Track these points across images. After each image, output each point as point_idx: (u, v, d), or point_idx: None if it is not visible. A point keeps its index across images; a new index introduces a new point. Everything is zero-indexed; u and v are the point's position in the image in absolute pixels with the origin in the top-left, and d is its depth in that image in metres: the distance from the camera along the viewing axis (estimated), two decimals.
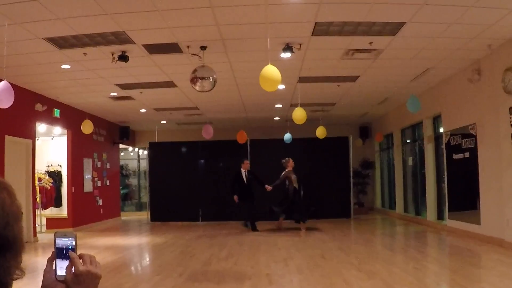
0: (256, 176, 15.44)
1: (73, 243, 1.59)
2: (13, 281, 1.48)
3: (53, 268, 1.62)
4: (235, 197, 15.30)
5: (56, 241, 1.60)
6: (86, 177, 16.78)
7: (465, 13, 7.87)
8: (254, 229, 14.99)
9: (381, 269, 8.38)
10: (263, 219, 15.45)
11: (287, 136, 17.56)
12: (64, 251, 1.59)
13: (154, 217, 18.93)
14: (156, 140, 20.52)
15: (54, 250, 1.61)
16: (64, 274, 1.56)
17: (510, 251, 9.43)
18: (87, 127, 14.14)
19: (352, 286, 7.03)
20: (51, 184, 15.46)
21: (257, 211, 15.27)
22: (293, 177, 14.70)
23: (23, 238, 1.52)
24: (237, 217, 17.66)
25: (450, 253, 10.47)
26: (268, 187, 15.02)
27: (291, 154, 16.79)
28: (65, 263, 1.57)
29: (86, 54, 9.75)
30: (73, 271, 1.54)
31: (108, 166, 19.04)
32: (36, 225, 13.75)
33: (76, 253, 1.58)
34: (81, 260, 1.57)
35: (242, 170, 15.40)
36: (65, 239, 1.59)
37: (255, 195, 15.29)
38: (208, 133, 16.69)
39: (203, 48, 9.54)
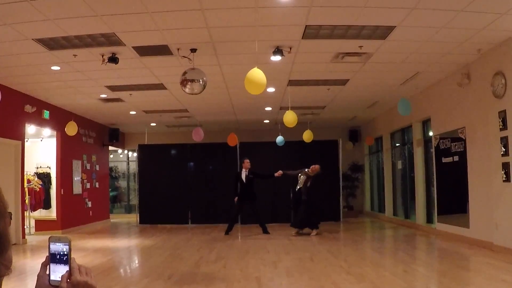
0: (257, 173, 15.28)
1: (67, 248, 1.58)
2: (2, 279, 1.48)
3: (47, 273, 1.61)
4: (235, 199, 15.30)
5: (50, 246, 1.59)
6: (75, 179, 16.72)
7: (454, 18, 7.91)
8: (265, 231, 14.86)
9: (371, 272, 8.40)
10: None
11: (280, 139, 17.55)
12: (58, 256, 1.58)
13: (143, 220, 18.88)
14: (146, 142, 20.46)
15: (48, 255, 1.60)
16: (58, 279, 1.56)
17: (499, 254, 9.46)
18: (71, 129, 14.07)
19: None
20: (40, 186, 15.40)
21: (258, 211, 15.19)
22: (302, 177, 14.64)
23: (9, 234, 1.50)
24: (226, 220, 17.75)
25: (439, 256, 10.50)
26: (279, 172, 14.88)
27: (282, 157, 16.80)
28: (59, 268, 1.57)
29: (76, 55, 9.72)
30: (68, 280, 1.54)
31: (97, 168, 18.97)
32: (25, 227, 13.68)
33: (70, 258, 1.57)
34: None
35: (243, 170, 15.30)
36: (59, 244, 1.59)
37: (257, 195, 15.12)
38: (198, 136, 16.69)
39: (193, 50, 9.53)
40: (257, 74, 8.06)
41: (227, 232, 14.88)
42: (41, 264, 1.64)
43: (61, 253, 1.58)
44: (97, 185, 18.85)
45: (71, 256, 1.59)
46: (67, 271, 1.56)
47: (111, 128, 20.01)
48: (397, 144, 17.95)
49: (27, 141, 14.15)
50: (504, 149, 9.49)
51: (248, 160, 15.26)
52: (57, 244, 1.59)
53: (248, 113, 17.77)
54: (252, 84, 8.09)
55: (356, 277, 7.87)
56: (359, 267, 8.92)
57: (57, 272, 1.57)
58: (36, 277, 1.65)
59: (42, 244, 12.90)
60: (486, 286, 6.96)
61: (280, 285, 7.63)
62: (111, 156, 22.63)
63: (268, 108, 16.83)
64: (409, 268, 8.74)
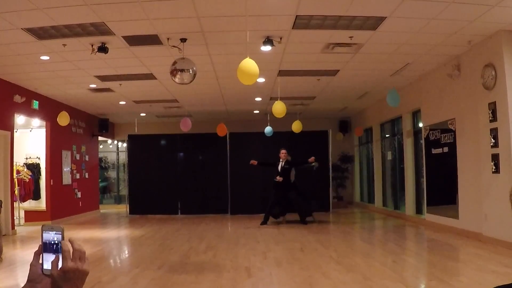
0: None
1: (60, 236, 1.57)
2: None
3: (40, 262, 1.59)
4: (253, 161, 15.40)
5: (43, 234, 1.57)
6: (65, 169, 16.66)
7: (445, 9, 7.91)
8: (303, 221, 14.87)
9: (360, 262, 8.43)
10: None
11: (268, 129, 17.54)
12: (51, 245, 1.56)
13: (133, 210, 18.87)
14: (136, 133, 20.39)
15: (41, 243, 1.59)
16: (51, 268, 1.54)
17: (488, 245, 9.53)
18: (63, 119, 14.01)
19: (331, 279, 7.07)
20: (29, 177, 15.35)
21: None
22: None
23: (0, 223, 1.49)
24: (215, 211, 17.86)
25: (428, 247, 10.55)
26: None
27: (271, 147, 16.77)
28: (52, 257, 1.55)
29: (66, 45, 9.65)
30: (60, 266, 1.52)
31: (87, 158, 18.92)
32: (14, 218, 13.62)
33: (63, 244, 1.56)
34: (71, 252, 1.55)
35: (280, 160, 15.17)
36: (52, 232, 1.57)
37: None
38: (186, 126, 16.64)
39: (183, 40, 9.50)
40: (249, 64, 8.03)
41: (263, 223, 14.73)
42: (34, 253, 1.63)
43: (54, 241, 1.56)
44: (86, 176, 18.81)
45: (66, 240, 1.57)
46: (55, 255, 1.54)
47: (100, 118, 19.94)
48: (387, 135, 18.00)
49: (16, 131, 14.08)
50: (493, 141, 9.53)
51: (285, 151, 15.15)
52: (50, 232, 1.57)
53: (238, 104, 17.75)
54: (244, 74, 8.06)
55: (346, 267, 7.90)
56: (348, 257, 8.95)
57: (50, 261, 1.55)
58: (29, 266, 1.63)
59: (31, 235, 12.87)
60: (475, 277, 7.00)
61: (270, 275, 7.64)
62: (101, 146, 22.60)
63: (258, 99, 16.82)
64: (399, 259, 8.79)
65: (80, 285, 1.55)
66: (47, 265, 1.55)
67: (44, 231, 1.57)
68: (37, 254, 1.62)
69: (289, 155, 14.96)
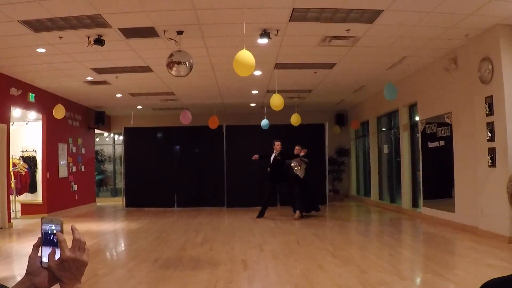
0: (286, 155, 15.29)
1: (59, 229, 1.56)
2: None
3: (39, 254, 1.58)
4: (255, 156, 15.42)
5: (42, 227, 1.56)
6: (61, 162, 16.63)
7: (443, 2, 7.90)
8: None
9: (356, 255, 8.46)
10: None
11: (264, 122, 17.52)
12: (50, 237, 1.55)
13: (129, 203, 18.89)
14: (132, 126, 20.35)
15: (40, 236, 1.57)
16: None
17: (484, 238, 9.54)
18: (58, 112, 13.95)
19: (327, 272, 7.07)
20: (25, 170, 15.31)
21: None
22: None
23: None
24: (212, 204, 17.84)
25: (424, 240, 10.57)
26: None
27: (267, 140, 16.78)
28: (50, 249, 1.54)
29: (62, 37, 9.61)
30: (58, 256, 1.51)
31: (83, 151, 18.87)
32: (11, 211, 13.60)
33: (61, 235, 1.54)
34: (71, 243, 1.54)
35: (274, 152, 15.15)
36: (51, 225, 1.56)
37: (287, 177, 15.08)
38: (186, 119, 16.62)
39: (179, 32, 9.47)
40: (246, 55, 8.01)
41: (259, 216, 14.78)
42: (33, 245, 1.61)
43: (53, 234, 1.55)
44: (83, 169, 18.77)
45: (68, 228, 1.56)
46: (52, 247, 1.53)
47: (97, 111, 19.88)
48: (383, 129, 17.99)
49: (12, 124, 14.03)
50: (490, 135, 9.53)
51: (279, 143, 15.12)
52: (49, 225, 1.56)
53: (235, 96, 17.72)
54: (241, 65, 8.04)
55: (342, 260, 7.92)
56: (345, 250, 8.98)
57: (48, 253, 1.54)
58: (28, 259, 1.62)
59: (28, 228, 12.87)
60: (471, 270, 7.02)
61: (266, 268, 7.64)
62: (97, 139, 22.55)
63: (255, 92, 16.79)
64: (395, 252, 8.80)
65: (79, 275, 1.54)
66: (46, 258, 1.54)
67: (43, 224, 1.56)
68: (36, 247, 1.61)
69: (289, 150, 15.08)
